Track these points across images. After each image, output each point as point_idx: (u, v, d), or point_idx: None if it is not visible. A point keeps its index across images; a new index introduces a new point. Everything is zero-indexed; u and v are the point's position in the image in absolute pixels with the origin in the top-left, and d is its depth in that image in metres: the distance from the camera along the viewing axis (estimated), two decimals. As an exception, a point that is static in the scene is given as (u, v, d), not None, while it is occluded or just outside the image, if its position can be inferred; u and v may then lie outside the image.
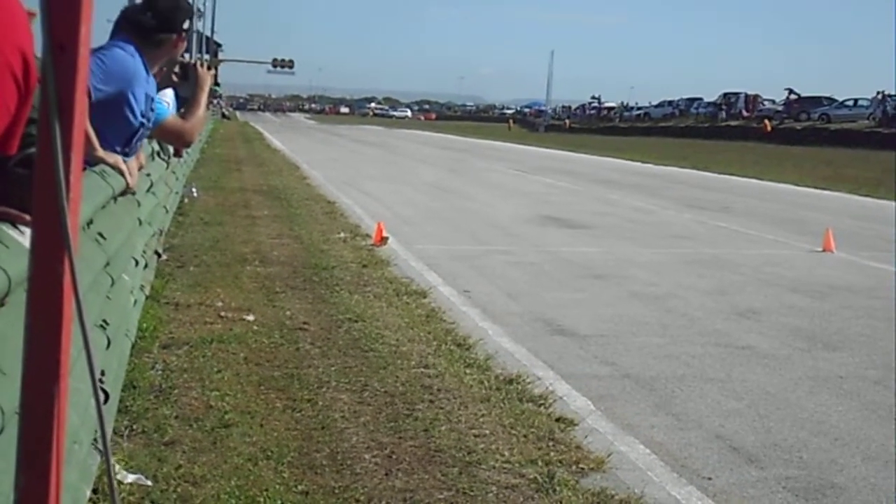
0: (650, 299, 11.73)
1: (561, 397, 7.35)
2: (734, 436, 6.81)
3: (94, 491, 4.22)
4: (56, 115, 1.38)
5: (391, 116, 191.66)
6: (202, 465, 5.54)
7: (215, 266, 12.10)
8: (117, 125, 5.60)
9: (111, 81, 5.42)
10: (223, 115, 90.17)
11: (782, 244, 17.65)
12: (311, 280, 11.49)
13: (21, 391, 1.46)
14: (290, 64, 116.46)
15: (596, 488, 5.59)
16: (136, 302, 7.21)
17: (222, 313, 9.43)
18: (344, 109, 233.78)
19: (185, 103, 6.82)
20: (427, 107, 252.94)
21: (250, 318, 9.30)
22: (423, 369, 7.83)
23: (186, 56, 7.85)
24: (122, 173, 5.46)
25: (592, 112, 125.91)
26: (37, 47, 1.88)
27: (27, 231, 2.43)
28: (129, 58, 5.59)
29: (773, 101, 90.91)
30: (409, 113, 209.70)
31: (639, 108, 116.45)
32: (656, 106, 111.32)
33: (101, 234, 4.71)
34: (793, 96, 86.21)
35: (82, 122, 1.43)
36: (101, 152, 5.21)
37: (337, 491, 5.32)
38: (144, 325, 8.22)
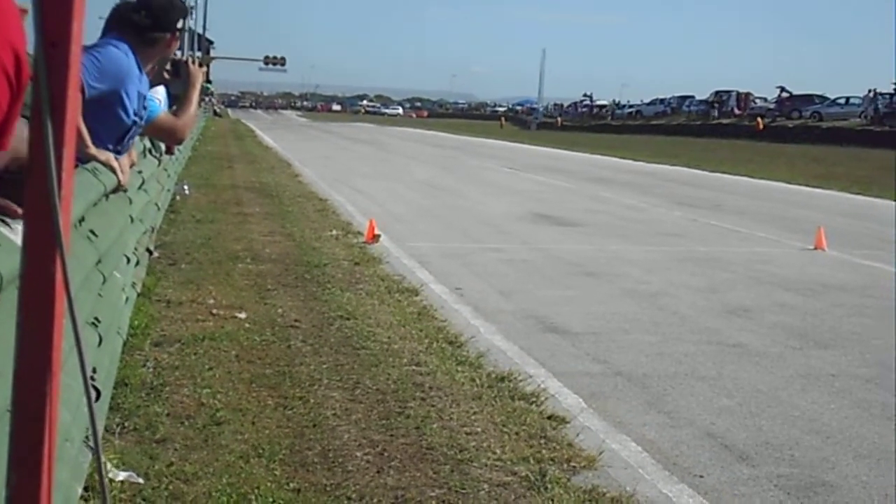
0: (642, 297, 11.74)
1: (553, 395, 7.36)
2: (726, 434, 6.82)
3: (86, 489, 4.22)
4: (48, 112, 1.38)
5: (383, 114, 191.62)
6: (194, 462, 5.54)
7: (207, 263, 12.09)
8: (110, 123, 5.59)
9: (105, 79, 5.40)
10: (215, 113, 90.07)
11: (774, 242, 17.67)
12: (303, 277, 11.49)
13: (13, 389, 1.45)
14: (282, 61, 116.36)
15: (587, 486, 5.59)
16: (127, 299, 7.20)
17: (214, 311, 9.42)
18: (336, 107, 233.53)
19: (177, 100, 6.81)
20: (419, 104, 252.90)
21: (242, 315, 9.29)
22: (414, 367, 7.83)
23: (178, 53, 7.84)
24: (113, 171, 5.45)
25: (584, 110, 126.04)
26: (29, 44, 1.87)
27: (18, 228, 2.43)
28: (122, 56, 5.57)
29: (765, 100, 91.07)
30: (400, 110, 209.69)
31: (631, 106, 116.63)
32: (648, 104, 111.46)
33: (92, 232, 4.71)
34: (785, 94, 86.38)
35: (74, 119, 1.43)
36: (92, 150, 5.20)
37: (328, 488, 5.32)
38: (136, 322, 8.22)
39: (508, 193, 26.28)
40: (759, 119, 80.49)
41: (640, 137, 79.85)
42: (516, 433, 6.37)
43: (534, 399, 7.14)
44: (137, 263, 8.43)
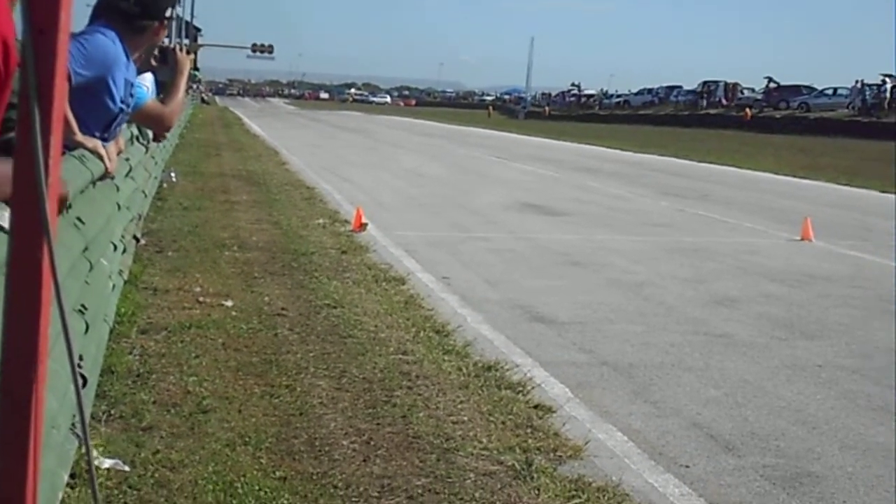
0: (628, 287, 11.76)
1: (539, 384, 7.36)
2: (712, 424, 6.84)
3: (72, 476, 4.22)
4: (35, 99, 1.38)
5: (371, 102, 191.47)
6: (180, 450, 5.54)
7: (194, 251, 12.07)
8: (97, 110, 5.58)
9: (91, 66, 5.39)
10: (202, 100, 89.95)
11: (761, 233, 17.70)
12: (290, 266, 11.48)
13: (-1, 376, 1.45)
14: (270, 49, 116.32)
15: (573, 475, 5.60)
16: (114, 287, 7.19)
17: (201, 298, 9.41)
18: (324, 95, 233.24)
19: (165, 88, 6.80)
20: (407, 93, 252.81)
21: (229, 303, 9.28)
22: (401, 356, 7.83)
23: (166, 41, 7.83)
24: (101, 158, 5.44)
25: (572, 99, 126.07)
26: (17, 32, 1.87)
27: (5, 214, 2.42)
28: (109, 43, 5.56)
29: (753, 90, 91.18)
30: (388, 99, 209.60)
31: (618, 96, 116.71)
32: (636, 94, 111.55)
33: (79, 219, 4.70)
34: (772, 85, 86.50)
35: (61, 106, 1.43)
36: (80, 136, 5.19)
37: (315, 477, 5.32)
38: (123, 310, 8.20)
39: (496, 183, 26.28)
40: (746, 109, 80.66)
41: (627, 127, 79.88)
42: (503, 422, 6.38)
43: (520, 388, 7.15)
44: (124, 251, 8.41)
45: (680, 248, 15.24)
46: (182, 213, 15.43)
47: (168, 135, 9.71)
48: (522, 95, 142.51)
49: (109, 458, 5.26)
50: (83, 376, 4.23)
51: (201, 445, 5.64)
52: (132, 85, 5.93)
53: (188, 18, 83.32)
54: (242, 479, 5.17)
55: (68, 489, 4.40)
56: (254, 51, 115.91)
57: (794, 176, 33.40)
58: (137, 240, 10.46)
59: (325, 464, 5.52)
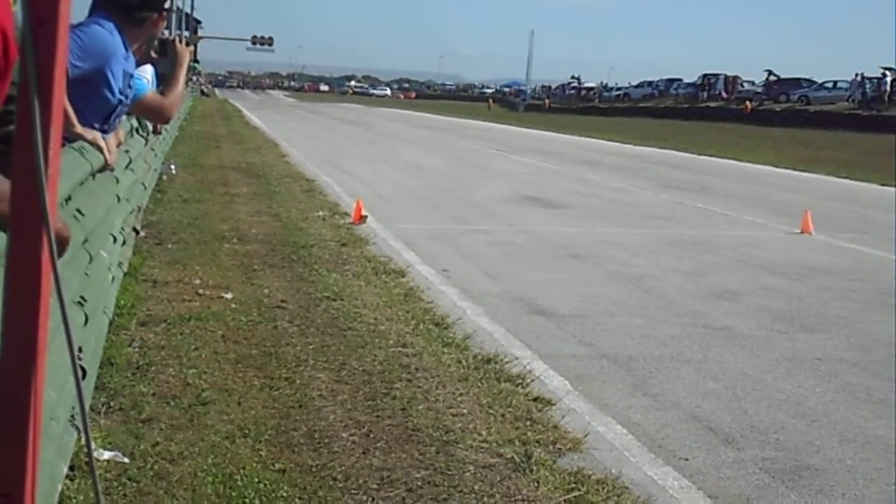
0: (629, 280, 11.75)
1: (538, 377, 7.36)
2: (711, 417, 6.84)
3: (71, 468, 4.22)
4: (35, 90, 1.37)
5: (371, 95, 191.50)
6: (179, 442, 5.54)
7: (193, 243, 12.07)
8: (95, 102, 5.58)
9: (88, 58, 5.38)
10: (202, 93, 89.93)
11: (761, 226, 17.70)
12: (290, 258, 11.47)
13: (-2, 367, 1.45)
14: (270, 41, 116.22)
15: (573, 468, 5.60)
16: (113, 279, 7.19)
17: (200, 291, 9.41)
18: (323, 87, 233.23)
19: (164, 80, 6.80)
20: (407, 85, 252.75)
21: (228, 295, 9.28)
22: (401, 348, 7.83)
23: (166, 33, 7.82)
24: (100, 150, 5.45)
25: (572, 92, 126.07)
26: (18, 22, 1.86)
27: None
28: (107, 35, 5.55)
29: (753, 83, 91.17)
30: (388, 91, 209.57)
31: (618, 89, 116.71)
32: (636, 86, 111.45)
33: (79, 211, 4.70)
34: (772, 78, 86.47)
35: (61, 97, 1.43)
36: (79, 128, 5.19)
37: (314, 469, 5.32)
38: (122, 302, 8.20)
39: (496, 175, 26.26)
40: (746, 102, 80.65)
41: (627, 120, 79.85)
42: (502, 415, 6.38)
43: (520, 381, 7.15)
44: (124, 243, 8.41)
45: (680, 240, 15.23)
46: (182, 206, 15.41)
47: (167, 127, 9.71)
48: (522, 88, 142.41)
49: (109, 449, 5.26)
50: (82, 368, 4.23)
51: (201, 437, 5.64)
52: (131, 76, 5.93)
53: (188, 10, 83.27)
54: (242, 471, 5.17)
55: (67, 481, 4.41)
56: (253, 43, 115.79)
57: (794, 169, 33.39)
58: (137, 232, 10.46)
59: (325, 456, 5.52)
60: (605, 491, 5.35)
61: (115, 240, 7.15)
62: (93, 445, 5.14)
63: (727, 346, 8.83)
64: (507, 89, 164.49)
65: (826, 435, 6.62)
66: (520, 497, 5.21)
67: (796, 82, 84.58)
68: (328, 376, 6.97)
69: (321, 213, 15.69)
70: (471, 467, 5.50)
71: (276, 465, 5.32)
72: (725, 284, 11.72)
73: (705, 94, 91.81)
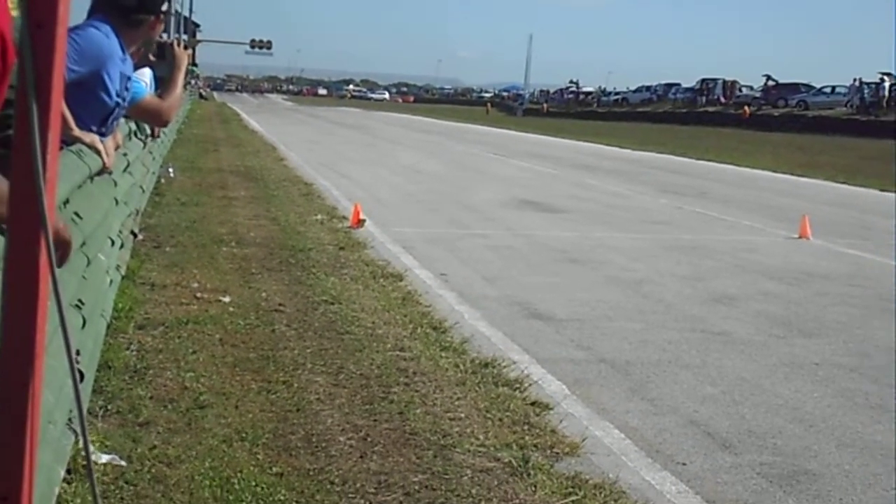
0: (627, 284, 11.75)
1: (536, 381, 7.36)
2: (709, 421, 6.84)
3: (68, 471, 4.22)
4: (33, 93, 1.37)
5: (369, 99, 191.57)
6: (177, 446, 5.53)
7: (191, 247, 12.06)
8: (92, 105, 5.57)
9: (84, 62, 5.38)
10: (200, 96, 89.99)
11: (759, 231, 17.70)
12: (288, 262, 11.47)
13: (-4, 370, 1.45)
14: (268, 45, 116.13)
15: (570, 473, 5.60)
16: (111, 282, 7.19)
17: (198, 294, 9.40)
18: (322, 91, 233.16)
19: (163, 83, 6.80)
20: (405, 89, 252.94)
21: (226, 299, 9.28)
22: (398, 352, 7.82)
23: (164, 36, 7.84)
24: (98, 153, 5.44)
25: (570, 96, 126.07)
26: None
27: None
28: (103, 38, 5.55)
29: (751, 88, 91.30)
30: (386, 95, 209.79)
31: (617, 93, 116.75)
32: (634, 91, 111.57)
33: (77, 214, 4.70)
34: (771, 83, 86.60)
35: (59, 100, 1.43)
36: (77, 132, 5.19)
37: (311, 473, 5.32)
38: (120, 305, 8.19)
39: (494, 179, 26.27)
40: (745, 107, 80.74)
41: (625, 124, 79.94)
42: (500, 419, 6.38)
43: (517, 385, 7.14)
44: (122, 246, 8.41)
45: (678, 245, 15.23)
46: (180, 209, 15.41)
47: (166, 130, 9.71)
48: (521, 92, 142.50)
49: (106, 453, 5.26)
50: (80, 371, 4.23)
51: (198, 441, 5.64)
52: (128, 79, 5.92)
53: (187, 14, 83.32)
54: (239, 474, 5.17)
55: (65, 484, 4.41)
56: (252, 46, 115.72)
57: (793, 174, 33.40)
58: (135, 235, 10.45)
59: (322, 460, 5.52)
60: (603, 495, 5.35)
61: (112, 243, 7.15)
62: (90, 449, 5.13)
63: (725, 350, 8.82)
64: (505, 93, 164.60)
65: (824, 440, 6.62)
66: (517, 501, 5.21)
67: (794, 87, 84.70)
68: (326, 380, 6.97)
69: (319, 217, 15.69)
70: (468, 471, 5.50)
71: (274, 469, 5.31)
72: (723, 289, 11.72)
73: (704, 98, 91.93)
